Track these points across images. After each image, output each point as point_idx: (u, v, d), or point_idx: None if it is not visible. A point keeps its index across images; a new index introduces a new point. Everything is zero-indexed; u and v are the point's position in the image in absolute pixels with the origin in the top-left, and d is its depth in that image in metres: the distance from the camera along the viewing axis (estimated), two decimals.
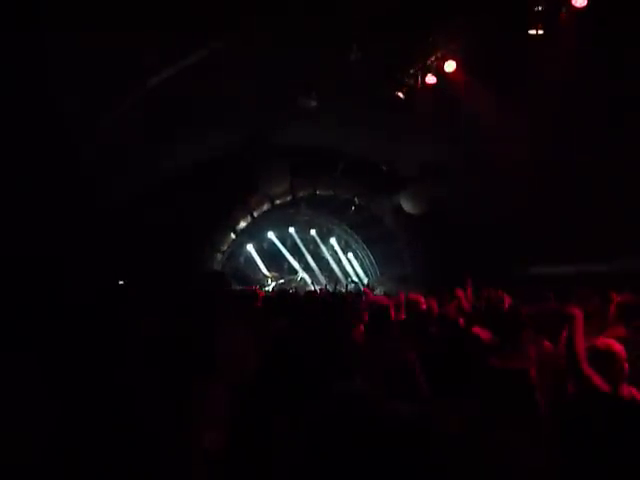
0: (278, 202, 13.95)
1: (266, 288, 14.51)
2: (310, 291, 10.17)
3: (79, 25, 5.71)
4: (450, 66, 7.62)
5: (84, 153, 7.70)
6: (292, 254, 16.56)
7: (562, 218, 8.77)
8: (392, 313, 4.22)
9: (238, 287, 14.18)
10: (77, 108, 6.83)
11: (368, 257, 16.55)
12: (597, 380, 2.66)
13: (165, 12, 5.84)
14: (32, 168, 6.53)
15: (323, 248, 16.75)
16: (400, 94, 8.17)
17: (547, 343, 3.75)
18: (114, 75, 6.55)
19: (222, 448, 2.73)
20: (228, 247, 14.00)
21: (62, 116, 6.61)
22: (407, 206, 13.53)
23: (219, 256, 13.52)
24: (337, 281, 14.31)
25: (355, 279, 16.07)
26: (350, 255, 16.83)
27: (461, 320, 4.32)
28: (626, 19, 5.90)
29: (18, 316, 3.26)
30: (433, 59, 7.63)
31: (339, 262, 16.77)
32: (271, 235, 16.21)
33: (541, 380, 2.60)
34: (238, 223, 13.86)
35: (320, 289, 11.54)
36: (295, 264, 16.41)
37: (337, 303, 5.79)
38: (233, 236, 13.94)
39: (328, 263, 16.83)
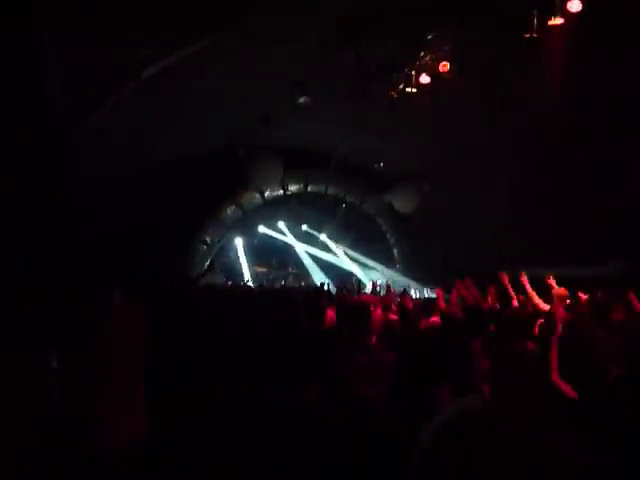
0: (269, 197, 13.95)
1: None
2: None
3: (72, 14, 5.66)
4: (444, 67, 7.66)
5: (74, 142, 7.64)
6: (282, 249, 16.52)
7: (553, 220, 8.85)
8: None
9: (228, 282, 14.19)
10: (69, 98, 6.78)
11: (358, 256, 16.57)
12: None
13: (164, 4, 5.83)
14: (18, 158, 6.47)
15: (315, 245, 16.73)
16: (394, 93, 8.19)
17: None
18: (110, 65, 6.51)
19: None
20: (217, 240, 13.96)
21: (54, 108, 6.55)
22: (398, 205, 13.59)
23: (204, 249, 13.49)
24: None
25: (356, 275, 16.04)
26: (341, 252, 16.82)
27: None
28: (620, 23, 5.96)
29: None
30: (427, 59, 7.65)
31: (335, 258, 16.73)
32: (262, 229, 16.14)
33: None
34: (227, 217, 13.84)
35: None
36: (305, 258, 16.35)
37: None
38: (222, 230, 13.91)
39: (319, 259, 16.80)
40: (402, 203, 13.46)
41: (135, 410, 3.02)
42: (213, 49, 6.99)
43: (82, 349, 2.99)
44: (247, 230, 15.68)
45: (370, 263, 15.81)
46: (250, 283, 14.24)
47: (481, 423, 1.33)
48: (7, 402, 2.29)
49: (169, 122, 9.02)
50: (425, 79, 7.82)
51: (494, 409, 1.47)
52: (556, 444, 1.37)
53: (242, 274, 15.32)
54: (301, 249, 16.46)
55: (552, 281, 5.35)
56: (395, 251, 15.12)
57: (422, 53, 7.53)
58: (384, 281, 13.64)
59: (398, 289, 11.56)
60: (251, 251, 15.89)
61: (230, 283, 13.61)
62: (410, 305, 5.69)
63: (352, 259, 16.26)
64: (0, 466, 2.15)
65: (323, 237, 16.70)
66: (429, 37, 7.30)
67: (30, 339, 2.64)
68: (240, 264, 15.60)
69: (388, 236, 15.18)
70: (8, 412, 2.28)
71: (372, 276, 15.51)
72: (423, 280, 13.52)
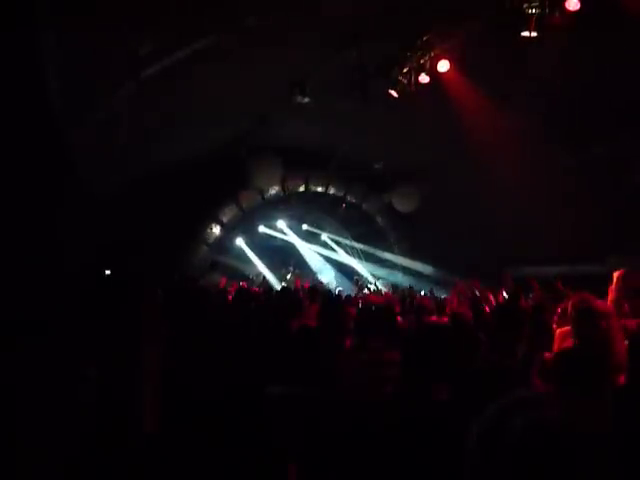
0: (269, 197, 13.95)
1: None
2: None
3: (72, 14, 5.66)
4: (443, 66, 7.66)
5: (74, 144, 7.64)
6: (282, 249, 16.51)
7: (554, 218, 8.85)
8: None
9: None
10: (68, 99, 6.78)
11: (358, 255, 16.59)
12: None
13: (164, 4, 5.83)
14: (16, 160, 6.47)
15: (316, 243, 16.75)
16: (393, 93, 8.18)
17: None
18: (109, 66, 6.51)
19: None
20: (216, 240, 13.97)
21: (53, 109, 6.55)
22: (398, 205, 13.59)
23: (206, 249, 13.49)
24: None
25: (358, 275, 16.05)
26: (341, 252, 16.84)
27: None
28: (618, 22, 5.97)
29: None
30: (427, 58, 7.66)
31: (337, 257, 16.75)
32: (263, 229, 16.12)
33: None
34: (227, 217, 13.84)
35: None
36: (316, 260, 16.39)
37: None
38: (222, 229, 13.92)
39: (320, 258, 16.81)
40: (402, 203, 13.47)
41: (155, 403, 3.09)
42: (213, 49, 6.98)
43: (129, 346, 3.05)
44: (247, 230, 15.68)
45: (377, 253, 15.80)
46: (275, 283, 14.32)
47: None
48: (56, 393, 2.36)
49: (168, 122, 9.01)
50: (425, 78, 7.83)
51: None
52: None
53: (241, 274, 15.30)
54: (305, 248, 16.45)
55: (560, 284, 5.38)
56: (395, 250, 15.13)
57: (421, 52, 7.54)
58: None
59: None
60: (252, 251, 15.89)
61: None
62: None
63: (357, 252, 16.27)
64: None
65: (324, 236, 16.71)
66: (429, 36, 7.30)
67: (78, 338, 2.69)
68: (239, 264, 15.57)
69: (388, 236, 15.19)
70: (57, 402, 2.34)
71: (377, 273, 15.58)
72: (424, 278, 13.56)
